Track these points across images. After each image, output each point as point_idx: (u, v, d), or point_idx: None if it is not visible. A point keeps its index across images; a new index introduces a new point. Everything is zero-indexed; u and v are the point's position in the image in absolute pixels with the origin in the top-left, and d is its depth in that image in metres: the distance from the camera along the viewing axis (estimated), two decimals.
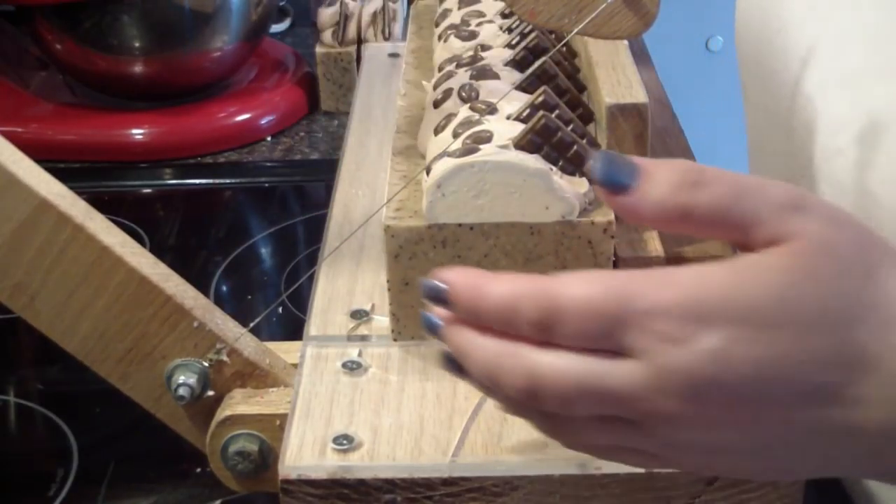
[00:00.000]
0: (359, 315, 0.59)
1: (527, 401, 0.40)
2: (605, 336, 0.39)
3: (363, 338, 0.58)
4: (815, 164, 0.57)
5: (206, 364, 0.56)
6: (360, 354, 0.56)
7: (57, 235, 0.54)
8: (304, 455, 0.50)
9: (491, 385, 0.41)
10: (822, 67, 0.58)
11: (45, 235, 0.54)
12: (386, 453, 0.50)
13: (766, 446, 0.40)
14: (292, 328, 0.89)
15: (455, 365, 0.43)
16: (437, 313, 0.42)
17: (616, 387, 0.39)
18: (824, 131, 0.56)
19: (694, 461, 0.42)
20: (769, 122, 0.62)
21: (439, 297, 0.42)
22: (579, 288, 0.39)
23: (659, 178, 0.40)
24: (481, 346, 0.41)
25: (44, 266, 0.54)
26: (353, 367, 0.55)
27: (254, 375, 0.57)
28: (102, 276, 0.54)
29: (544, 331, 0.40)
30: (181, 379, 0.55)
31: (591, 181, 0.41)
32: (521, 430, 0.51)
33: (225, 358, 0.56)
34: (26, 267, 0.54)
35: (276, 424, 0.55)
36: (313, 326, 0.59)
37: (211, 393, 0.56)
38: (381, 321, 0.58)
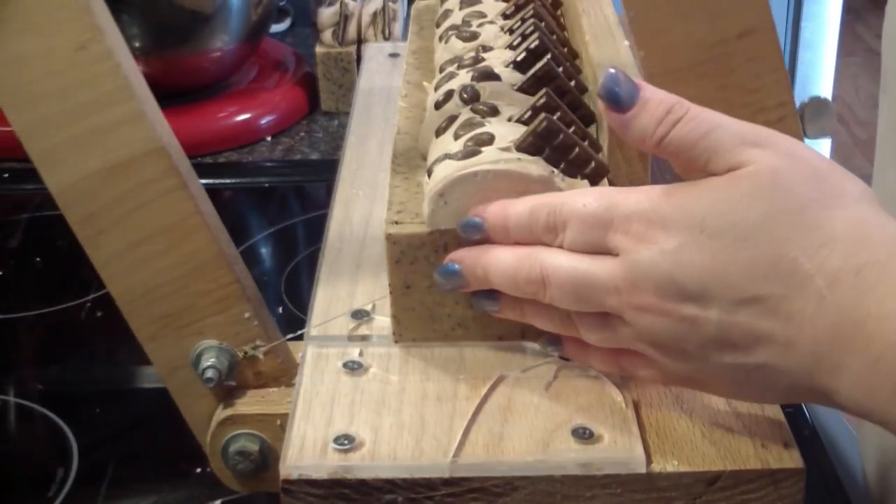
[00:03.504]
0: (360, 315, 0.59)
1: (538, 292, 0.49)
2: (598, 238, 0.47)
3: (364, 338, 0.58)
4: None
5: (240, 355, 0.56)
6: (360, 354, 0.56)
7: (158, 183, 0.53)
8: (305, 455, 0.50)
9: (511, 285, 0.51)
10: None
11: (148, 177, 0.53)
12: (387, 453, 0.50)
13: (711, 345, 0.46)
14: (292, 328, 0.89)
15: (455, 275, 0.53)
16: (451, 258, 0.53)
17: (601, 278, 0.47)
18: None
19: (667, 360, 0.48)
20: None
21: (474, 227, 0.52)
22: (579, 197, 0.48)
23: (649, 108, 0.47)
24: (503, 257, 0.51)
25: (129, 205, 0.53)
26: (353, 367, 0.55)
27: (280, 381, 0.57)
28: (181, 236, 0.54)
29: (553, 232, 0.49)
30: (212, 361, 0.55)
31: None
32: (523, 430, 0.51)
33: (260, 356, 0.56)
34: (111, 201, 0.53)
35: (277, 424, 0.55)
36: (314, 326, 0.59)
37: (232, 383, 0.56)
38: (382, 321, 0.58)
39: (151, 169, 0.53)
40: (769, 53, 0.53)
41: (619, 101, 0.48)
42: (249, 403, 0.56)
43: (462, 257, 0.52)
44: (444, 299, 0.56)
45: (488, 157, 0.53)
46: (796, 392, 0.46)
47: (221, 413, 0.56)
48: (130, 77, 0.52)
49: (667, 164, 0.74)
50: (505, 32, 0.69)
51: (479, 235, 0.52)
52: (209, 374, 0.55)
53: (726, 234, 0.44)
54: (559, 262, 0.49)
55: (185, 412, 0.57)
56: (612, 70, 0.48)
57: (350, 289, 0.62)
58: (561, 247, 0.49)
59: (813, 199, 0.44)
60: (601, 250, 0.48)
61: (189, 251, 0.54)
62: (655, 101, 0.47)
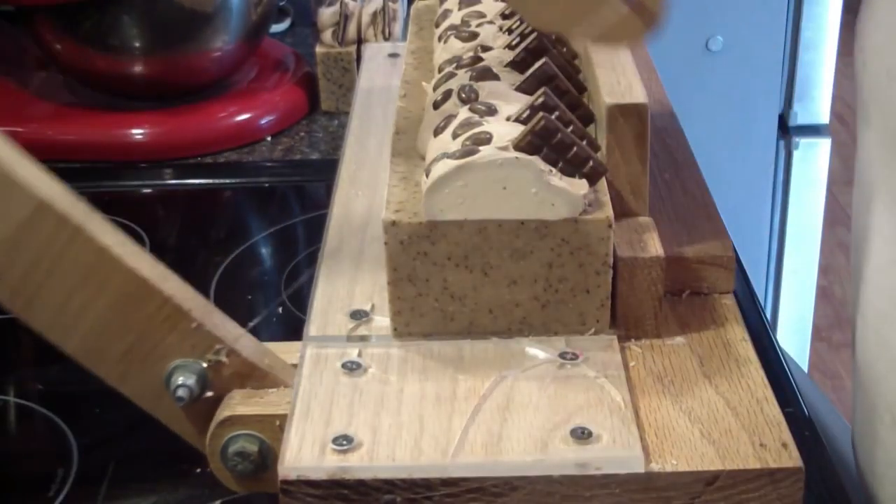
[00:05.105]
0: (359, 315, 0.59)
1: None
2: None
3: (363, 338, 0.58)
4: None
5: (204, 365, 0.56)
6: (359, 355, 0.56)
7: (56, 237, 0.53)
8: (304, 455, 0.50)
9: None
10: None
11: (45, 237, 0.53)
12: (385, 454, 0.50)
13: None
14: (292, 328, 0.89)
15: None
16: None
17: None
18: None
19: None
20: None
21: None
22: None
23: None
24: None
25: (43, 267, 0.54)
26: (352, 368, 0.55)
27: (253, 376, 0.57)
28: (101, 277, 0.54)
29: None
30: (180, 380, 0.55)
31: None
32: (521, 430, 0.51)
33: (224, 359, 0.56)
34: (25, 268, 0.54)
35: (276, 425, 0.55)
36: (313, 327, 0.59)
37: (210, 394, 0.56)
38: (381, 321, 0.58)
39: (43, 226, 0.53)
40: None
41: None
42: (248, 404, 0.56)
43: None
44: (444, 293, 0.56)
45: (486, 156, 0.53)
46: None
47: (220, 414, 0.56)
48: None
49: (666, 164, 0.74)
50: (504, 32, 0.69)
51: None
52: (180, 392, 0.55)
53: None
54: None
55: (184, 436, 0.58)
56: None
57: (349, 289, 0.62)
58: None
59: None
60: None
61: (115, 286, 0.54)
62: None
